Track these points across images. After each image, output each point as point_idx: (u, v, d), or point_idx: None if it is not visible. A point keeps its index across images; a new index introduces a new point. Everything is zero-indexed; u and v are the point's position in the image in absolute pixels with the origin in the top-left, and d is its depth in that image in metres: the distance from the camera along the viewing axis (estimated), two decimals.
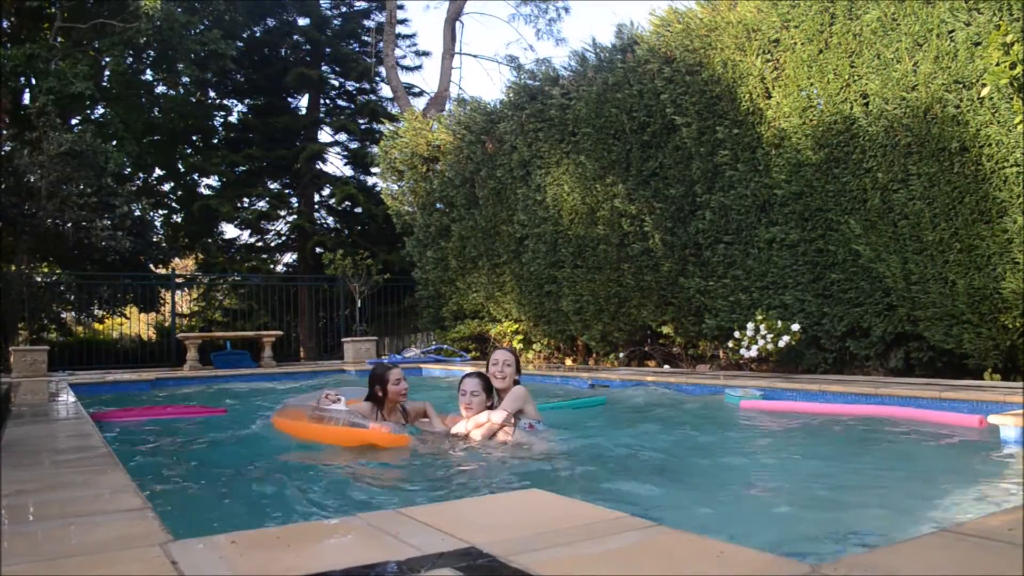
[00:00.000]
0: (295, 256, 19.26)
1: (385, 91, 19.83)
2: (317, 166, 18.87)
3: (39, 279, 12.36)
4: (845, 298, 6.93)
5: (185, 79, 16.22)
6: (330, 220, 19.37)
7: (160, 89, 16.92)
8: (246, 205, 18.45)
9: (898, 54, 6.36)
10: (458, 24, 19.22)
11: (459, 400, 4.43)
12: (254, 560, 1.69)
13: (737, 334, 7.40)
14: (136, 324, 16.22)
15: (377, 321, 14.58)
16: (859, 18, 6.64)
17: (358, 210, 18.30)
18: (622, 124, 8.77)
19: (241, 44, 17.97)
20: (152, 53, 15.14)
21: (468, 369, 10.00)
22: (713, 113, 7.85)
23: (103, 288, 13.38)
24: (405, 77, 19.72)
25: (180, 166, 18.40)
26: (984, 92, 5.68)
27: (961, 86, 5.98)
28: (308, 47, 19.12)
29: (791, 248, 7.29)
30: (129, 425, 5.68)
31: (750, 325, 7.25)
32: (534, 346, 10.74)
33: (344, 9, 19.92)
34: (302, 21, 19.16)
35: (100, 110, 15.84)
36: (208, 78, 17.40)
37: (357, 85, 19.93)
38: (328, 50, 19.12)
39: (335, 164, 20.41)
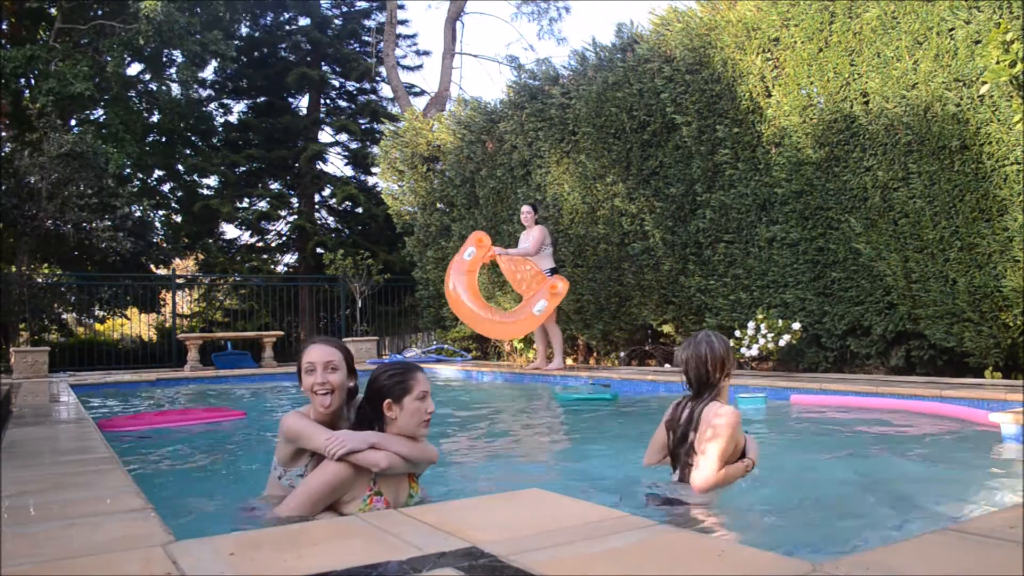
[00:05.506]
0: (296, 256, 19.25)
1: (385, 91, 19.85)
2: (318, 166, 18.86)
3: (40, 280, 12.36)
4: (846, 297, 6.93)
5: (184, 79, 16.20)
6: (331, 220, 19.37)
7: (159, 89, 16.89)
8: (246, 205, 18.45)
9: (898, 52, 6.36)
10: (459, 24, 19.22)
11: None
12: (255, 560, 1.69)
13: (738, 333, 7.40)
14: (137, 325, 16.23)
15: (378, 321, 14.58)
16: (859, 16, 6.64)
17: (359, 210, 18.30)
18: (622, 123, 8.77)
19: (241, 44, 17.96)
20: (152, 53, 15.12)
21: (470, 367, 10.04)
22: (713, 112, 7.84)
23: (104, 289, 13.39)
24: (405, 77, 19.72)
25: (180, 167, 18.40)
26: (983, 91, 5.68)
27: (961, 84, 5.98)
28: (309, 47, 19.11)
29: (792, 247, 7.29)
30: (141, 432, 5.34)
31: (751, 324, 7.26)
32: (534, 345, 10.72)
33: (345, 9, 19.92)
34: (303, 21, 19.15)
35: (100, 111, 15.84)
36: (208, 78, 17.39)
37: (357, 85, 19.93)
38: (329, 50, 19.11)
39: (336, 164, 20.47)
